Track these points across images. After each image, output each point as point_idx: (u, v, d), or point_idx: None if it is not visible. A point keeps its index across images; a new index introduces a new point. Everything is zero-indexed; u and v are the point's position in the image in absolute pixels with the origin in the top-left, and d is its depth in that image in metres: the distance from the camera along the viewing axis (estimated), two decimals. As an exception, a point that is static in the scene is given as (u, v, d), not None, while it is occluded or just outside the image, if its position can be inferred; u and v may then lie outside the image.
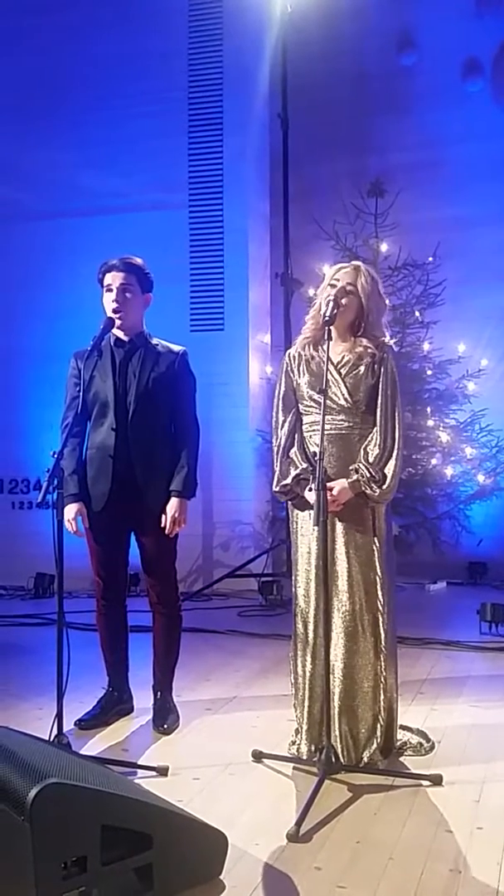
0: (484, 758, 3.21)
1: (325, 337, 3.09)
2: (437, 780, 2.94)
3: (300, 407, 3.27)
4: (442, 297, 7.35)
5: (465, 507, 7.39)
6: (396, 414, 3.16)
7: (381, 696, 3.12)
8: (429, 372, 7.38)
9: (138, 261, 3.60)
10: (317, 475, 2.87)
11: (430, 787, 2.92)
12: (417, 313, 7.38)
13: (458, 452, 7.34)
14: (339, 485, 3.08)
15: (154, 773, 3.04)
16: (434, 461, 7.31)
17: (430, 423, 7.26)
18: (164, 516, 3.51)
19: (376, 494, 3.09)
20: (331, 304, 3.12)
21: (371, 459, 3.10)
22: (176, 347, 3.66)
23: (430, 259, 7.33)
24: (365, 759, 3.08)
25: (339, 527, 3.14)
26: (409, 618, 5.26)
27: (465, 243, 7.43)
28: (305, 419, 3.24)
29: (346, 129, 7.83)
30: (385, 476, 3.09)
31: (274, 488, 3.30)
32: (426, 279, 7.37)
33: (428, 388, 7.38)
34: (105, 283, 3.54)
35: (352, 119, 7.83)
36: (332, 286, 3.22)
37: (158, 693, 3.70)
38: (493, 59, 7.75)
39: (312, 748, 3.13)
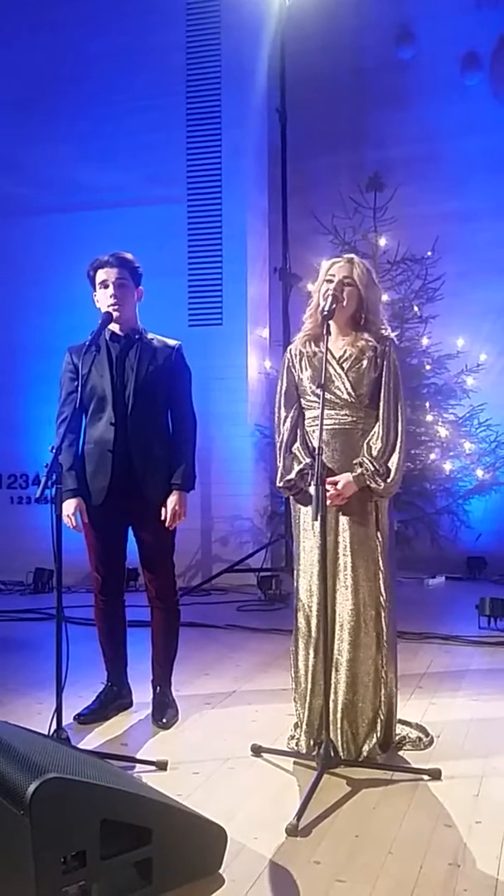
0: (483, 752, 3.21)
1: (325, 332, 3.09)
2: (436, 775, 2.94)
3: (302, 402, 3.26)
4: (441, 291, 7.33)
5: (463, 502, 7.39)
6: (399, 408, 3.16)
7: (382, 691, 3.12)
8: (427, 367, 7.37)
9: (129, 256, 3.60)
10: (316, 470, 2.87)
11: (429, 781, 2.92)
12: (416, 308, 7.36)
13: (457, 447, 7.34)
14: (343, 479, 3.08)
15: (153, 768, 3.04)
16: (433, 456, 7.30)
17: (429, 417, 7.26)
18: (163, 510, 3.51)
19: (381, 488, 3.09)
20: (329, 299, 3.12)
21: (374, 453, 3.10)
22: (171, 342, 3.66)
23: (429, 253, 7.31)
24: (364, 754, 3.09)
25: (343, 521, 3.14)
26: (408, 612, 5.26)
27: (464, 237, 7.42)
28: (308, 414, 3.24)
29: (344, 123, 7.82)
30: (389, 470, 3.09)
31: (277, 483, 3.30)
32: (425, 274, 7.35)
33: (427, 383, 7.37)
34: (98, 279, 3.53)
35: (350, 113, 7.81)
36: (329, 281, 3.21)
37: (157, 687, 3.70)
38: (492, 52, 7.72)
39: (312, 742, 3.13)
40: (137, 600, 3.91)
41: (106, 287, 3.51)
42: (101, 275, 3.53)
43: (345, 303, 3.18)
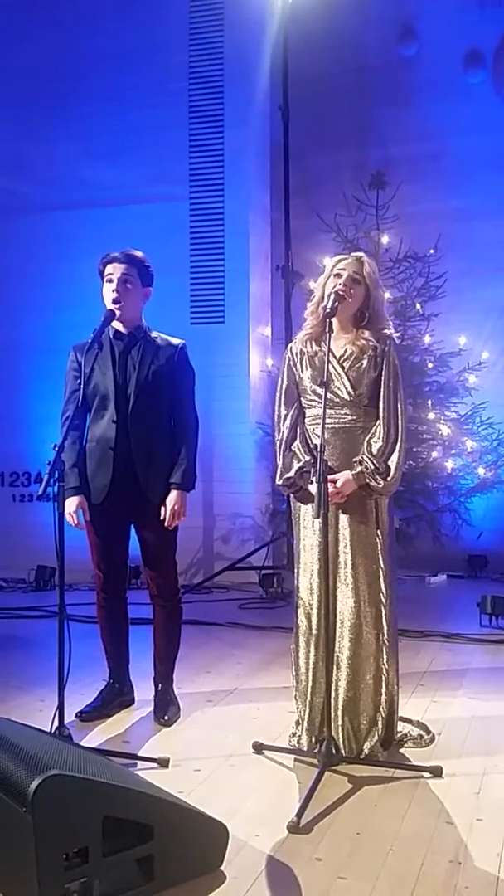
0: (484, 750, 3.22)
1: (326, 329, 3.09)
2: (437, 772, 2.94)
3: (303, 401, 3.27)
4: (443, 289, 7.33)
5: (465, 500, 7.39)
6: (399, 406, 3.16)
7: (383, 688, 3.13)
8: (430, 365, 7.37)
9: (139, 254, 3.59)
10: (318, 468, 2.88)
11: (430, 778, 2.93)
12: (418, 306, 7.36)
13: (459, 445, 7.34)
14: (343, 477, 3.08)
15: (155, 765, 3.05)
16: (435, 454, 7.31)
17: (431, 415, 7.26)
18: (163, 508, 3.51)
19: (380, 486, 3.09)
20: (332, 296, 3.12)
21: (374, 451, 3.10)
22: (175, 340, 3.65)
23: (432, 251, 7.31)
24: (365, 751, 3.09)
25: (343, 519, 3.14)
26: (410, 610, 5.27)
27: (467, 235, 7.41)
28: (308, 413, 3.25)
29: (347, 121, 7.81)
30: (389, 468, 3.10)
31: (277, 481, 3.31)
32: (427, 271, 7.35)
33: (429, 381, 7.37)
34: (105, 273, 3.54)
35: (353, 111, 7.81)
36: (338, 276, 3.21)
37: (159, 685, 3.71)
38: (495, 50, 7.70)
39: (313, 740, 3.13)
40: (139, 598, 3.92)
41: (111, 282, 3.52)
42: (108, 269, 3.53)
43: (351, 299, 3.18)
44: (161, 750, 3.21)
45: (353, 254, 3.35)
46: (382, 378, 3.17)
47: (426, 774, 2.95)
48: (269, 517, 7.60)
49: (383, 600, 3.14)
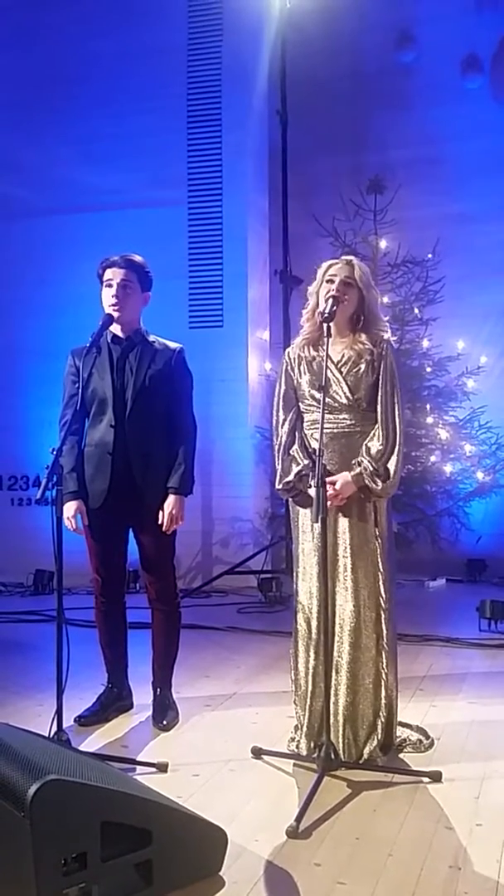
0: (483, 754, 3.21)
1: (325, 334, 3.09)
2: (436, 777, 2.94)
3: (301, 406, 3.27)
4: (441, 293, 7.33)
5: (464, 505, 7.39)
6: (396, 409, 3.16)
7: (382, 693, 3.12)
8: (428, 369, 7.37)
9: (139, 259, 3.60)
10: (316, 472, 2.87)
11: (429, 783, 2.92)
12: (416, 310, 7.37)
13: (458, 450, 7.34)
14: (342, 479, 3.08)
15: (154, 770, 3.04)
16: (433, 458, 7.30)
17: (430, 420, 7.26)
18: (161, 513, 3.51)
19: (379, 489, 3.09)
20: (330, 300, 3.12)
21: (373, 454, 3.10)
22: (173, 344, 3.66)
23: (430, 256, 7.31)
24: (365, 756, 3.09)
25: (342, 523, 3.14)
26: (409, 615, 5.26)
27: (465, 240, 7.42)
28: (307, 417, 3.25)
29: (345, 126, 7.83)
30: (388, 471, 3.10)
31: (276, 486, 3.31)
32: (425, 276, 7.36)
33: (427, 386, 7.37)
34: (105, 278, 3.54)
35: (351, 115, 7.82)
36: (330, 282, 3.21)
37: (158, 689, 3.70)
38: (493, 55, 7.74)
39: (312, 745, 3.13)
40: (138, 602, 3.91)
41: (110, 286, 3.52)
42: (107, 274, 3.54)
43: (343, 303, 3.18)
44: (160, 755, 3.20)
45: (343, 258, 3.35)
46: (380, 382, 3.17)
47: (425, 779, 2.94)
48: (268, 521, 7.60)
49: (382, 604, 3.13)
